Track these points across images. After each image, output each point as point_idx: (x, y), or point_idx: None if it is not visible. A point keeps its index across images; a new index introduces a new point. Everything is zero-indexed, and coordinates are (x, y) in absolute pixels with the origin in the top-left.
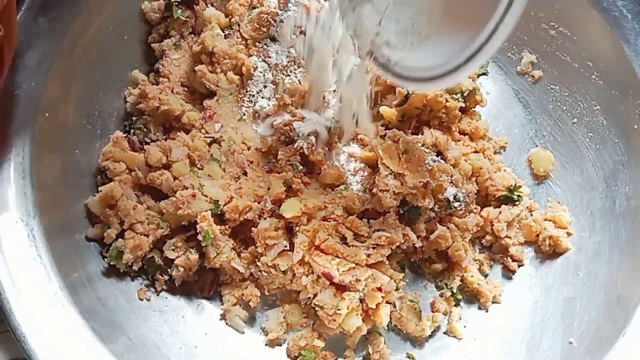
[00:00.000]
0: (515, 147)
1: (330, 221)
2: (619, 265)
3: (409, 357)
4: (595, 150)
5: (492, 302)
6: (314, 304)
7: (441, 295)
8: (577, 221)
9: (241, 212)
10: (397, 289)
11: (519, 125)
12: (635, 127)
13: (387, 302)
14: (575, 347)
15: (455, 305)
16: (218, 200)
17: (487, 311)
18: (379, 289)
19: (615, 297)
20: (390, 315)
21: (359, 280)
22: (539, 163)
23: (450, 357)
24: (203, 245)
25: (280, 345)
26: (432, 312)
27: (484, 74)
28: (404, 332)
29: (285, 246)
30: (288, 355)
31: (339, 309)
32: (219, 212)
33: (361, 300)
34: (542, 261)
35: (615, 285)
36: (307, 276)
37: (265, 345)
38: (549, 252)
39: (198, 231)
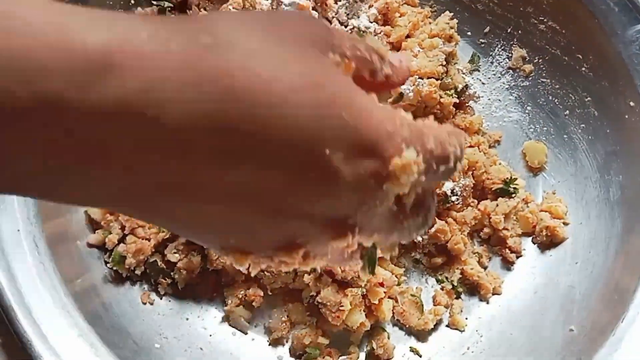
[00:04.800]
0: (509, 141)
1: None
2: (615, 253)
3: (413, 351)
4: (588, 141)
5: (493, 294)
6: (317, 301)
7: (442, 289)
8: (573, 211)
9: None
10: (398, 284)
11: (512, 119)
12: (627, 116)
13: (389, 297)
14: (576, 334)
15: (457, 298)
16: None
17: (488, 302)
18: (381, 284)
19: (613, 284)
20: (392, 310)
21: (361, 276)
22: (533, 155)
23: (453, 349)
24: (205, 247)
25: (284, 345)
26: (434, 305)
27: (476, 69)
28: (407, 326)
29: None
30: (292, 354)
31: (342, 306)
32: None
33: (363, 296)
34: (540, 251)
35: (612, 272)
36: (309, 274)
37: (269, 344)
38: (547, 243)
39: None
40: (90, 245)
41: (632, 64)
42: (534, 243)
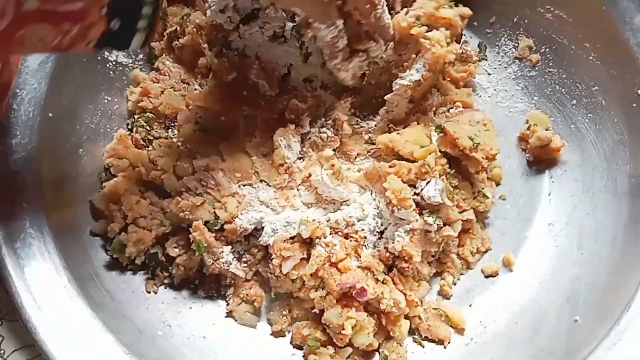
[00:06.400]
0: (516, 131)
1: (350, 240)
2: (621, 244)
3: (416, 342)
4: (595, 130)
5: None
6: (323, 320)
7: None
8: (580, 201)
9: (240, 233)
10: (419, 305)
11: (519, 109)
12: (634, 105)
13: (405, 317)
14: (581, 324)
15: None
16: (219, 218)
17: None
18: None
19: (619, 275)
20: (417, 328)
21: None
22: (538, 124)
23: (459, 341)
24: (197, 255)
25: (285, 336)
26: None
27: (483, 59)
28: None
29: (302, 256)
30: (293, 345)
31: (344, 329)
32: (216, 229)
33: (379, 317)
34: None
35: (617, 263)
36: (316, 290)
37: (271, 335)
38: (539, 154)
39: (191, 241)
40: (92, 234)
41: None
42: (529, 161)
